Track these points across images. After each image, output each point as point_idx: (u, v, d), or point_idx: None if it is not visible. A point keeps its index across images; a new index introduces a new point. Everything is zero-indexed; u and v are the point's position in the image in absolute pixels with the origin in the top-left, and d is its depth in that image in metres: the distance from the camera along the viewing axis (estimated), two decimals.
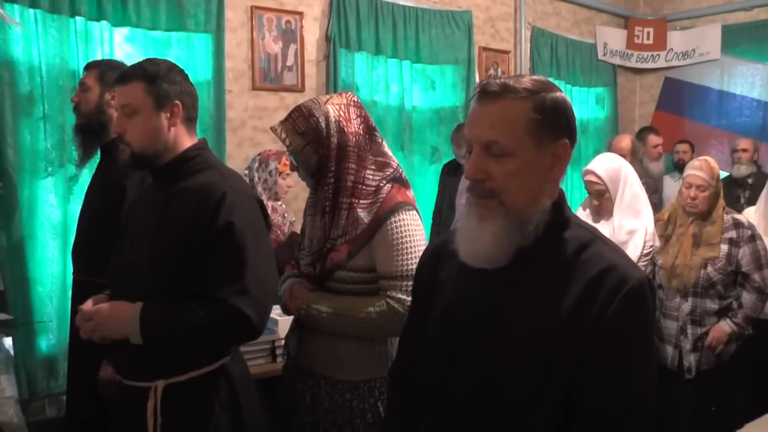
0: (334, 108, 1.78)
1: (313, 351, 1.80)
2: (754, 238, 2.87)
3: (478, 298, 1.16)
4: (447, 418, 1.18)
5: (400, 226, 1.71)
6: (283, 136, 1.77)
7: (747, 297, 2.86)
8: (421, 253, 1.64)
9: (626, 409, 1.06)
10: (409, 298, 1.62)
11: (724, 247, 2.85)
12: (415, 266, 1.62)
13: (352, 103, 1.81)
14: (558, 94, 1.12)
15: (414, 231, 1.73)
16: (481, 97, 1.12)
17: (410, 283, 1.63)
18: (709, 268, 2.84)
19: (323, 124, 1.75)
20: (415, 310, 1.36)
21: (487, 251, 1.12)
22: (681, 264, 2.88)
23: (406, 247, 1.70)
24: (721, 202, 2.93)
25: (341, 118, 1.77)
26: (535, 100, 1.09)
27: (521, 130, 1.09)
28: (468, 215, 1.15)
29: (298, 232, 1.96)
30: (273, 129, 1.81)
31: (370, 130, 1.82)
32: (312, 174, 1.80)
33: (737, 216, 2.95)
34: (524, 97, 1.09)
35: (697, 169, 2.89)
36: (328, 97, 1.82)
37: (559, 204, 1.16)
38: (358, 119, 1.80)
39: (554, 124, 1.11)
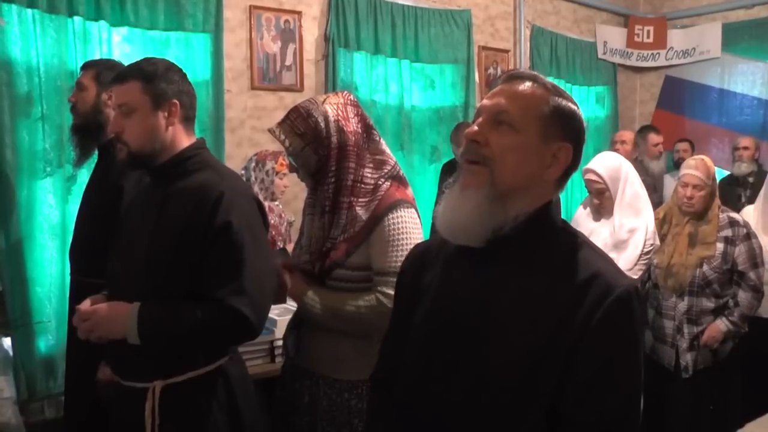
0: (332, 108, 1.77)
1: (312, 351, 1.79)
2: (749, 236, 2.87)
3: (463, 304, 1.13)
4: (428, 425, 1.15)
5: (397, 223, 1.71)
6: (282, 137, 1.76)
7: (743, 295, 2.85)
8: None
9: (611, 422, 1.03)
10: None
11: (720, 246, 2.84)
12: None
13: (349, 102, 1.81)
14: (577, 108, 1.16)
15: (411, 228, 1.72)
16: (508, 78, 1.16)
17: None
18: (705, 267, 2.83)
19: (322, 125, 1.74)
20: (397, 314, 1.33)
21: (466, 223, 1.10)
22: (677, 263, 2.88)
23: (402, 244, 1.69)
24: (717, 200, 2.93)
25: (340, 118, 1.76)
26: (556, 97, 1.12)
27: (533, 113, 1.10)
28: (453, 184, 1.15)
29: (298, 232, 1.94)
30: (271, 131, 1.79)
31: (367, 129, 1.82)
32: (311, 174, 1.79)
33: (733, 214, 2.95)
34: (548, 89, 1.13)
35: (693, 168, 2.88)
36: (325, 96, 1.82)
37: (549, 207, 1.14)
38: (356, 118, 1.80)
39: (564, 126, 1.12)
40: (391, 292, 1.65)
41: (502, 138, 1.09)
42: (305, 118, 1.75)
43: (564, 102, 1.13)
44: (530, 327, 1.06)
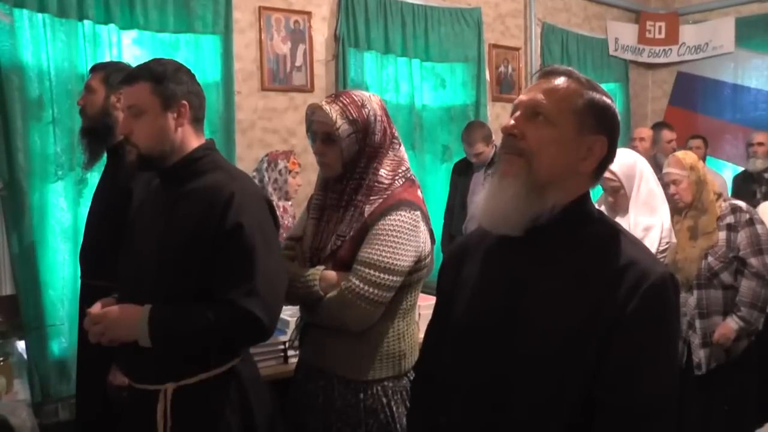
0: (379, 107, 1.78)
1: (326, 350, 1.78)
2: (752, 222, 2.80)
3: (498, 296, 1.16)
4: (466, 414, 1.18)
5: (395, 221, 1.69)
6: (334, 115, 1.70)
7: (746, 284, 2.78)
8: (406, 253, 1.66)
9: (647, 408, 1.04)
10: (366, 287, 1.62)
11: (723, 234, 2.80)
12: (392, 261, 1.65)
13: (384, 107, 1.82)
14: (611, 102, 1.18)
15: (406, 229, 1.69)
16: (544, 74, 1.19)
17: (375, 272, 1.63)
18: (710, 258, 2.80)
19: (372, 119, 1.75)
20: (438, 309, 1.37)
21: (506, 211, 1.13)
22: (681, 258, 2.84)
23: (390, 241, 1.67)
24: (710, 187, 2.86)
25: (383, 119, 1.78)
26: (590, 91, 1.15)
27: (569, 107, 1.13)
28: (492, 174, 1.19)
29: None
30: (316, 106, 1.75)
31: (393, 136, 1.83)
32: (345, 163, 1.76)
33: (736, 201, 2.90)
34: (582, 83, 1.16)
35: (666, 166, 2.92)
36: (368, 93, 1.82)
37: (585, 198, 1.18)
38: (389, 124, 1.81)
39: (599, 119, 1.15)
40: (355, 280, 1.65)
41: (538, 131, 1.12)
42: (359, 106, 1.74)
43: (598, 96, 1.15)
44: (566, 312, 1.08)
